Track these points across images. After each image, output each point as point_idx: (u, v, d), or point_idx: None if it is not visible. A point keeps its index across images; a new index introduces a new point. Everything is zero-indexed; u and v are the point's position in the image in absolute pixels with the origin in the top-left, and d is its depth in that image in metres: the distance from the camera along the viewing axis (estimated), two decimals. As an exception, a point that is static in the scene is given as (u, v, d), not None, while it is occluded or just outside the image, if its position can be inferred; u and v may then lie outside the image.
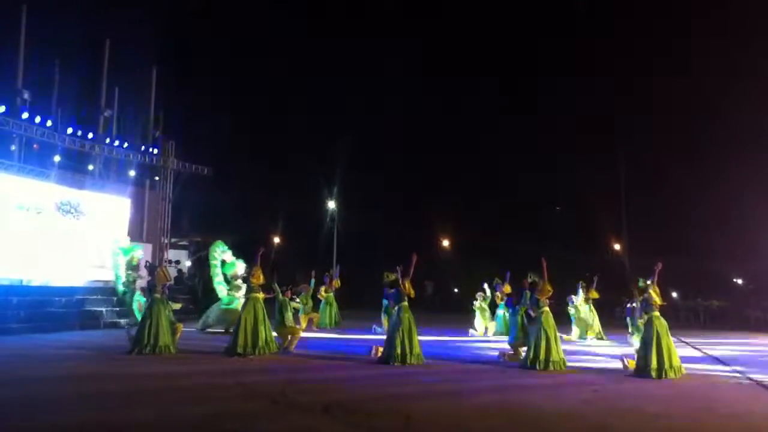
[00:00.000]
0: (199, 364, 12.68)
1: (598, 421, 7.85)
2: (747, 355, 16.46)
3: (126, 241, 19.61)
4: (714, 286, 39.71)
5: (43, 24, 24.86)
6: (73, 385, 9.77)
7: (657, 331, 12.00)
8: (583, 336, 20.10)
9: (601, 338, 20.04)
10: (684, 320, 35.38)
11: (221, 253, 20.07)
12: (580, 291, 20.71)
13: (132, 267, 18.47)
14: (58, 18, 26.32)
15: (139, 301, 17.11)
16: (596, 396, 9.61)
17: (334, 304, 22.37)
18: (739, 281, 44.48)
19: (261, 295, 14.28)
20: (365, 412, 8.06)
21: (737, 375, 12.48)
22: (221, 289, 19.75)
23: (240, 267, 19.35)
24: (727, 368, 13.48)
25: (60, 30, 26.37)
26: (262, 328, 13.78)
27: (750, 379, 11.83)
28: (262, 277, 14.24)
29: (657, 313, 12.38)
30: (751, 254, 37.27)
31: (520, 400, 9.20)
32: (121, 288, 18.49)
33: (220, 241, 20.53)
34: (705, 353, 16.64)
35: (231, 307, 18.90)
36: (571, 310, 20.56)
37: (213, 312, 19.56)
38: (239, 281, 18.83)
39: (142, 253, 19.09)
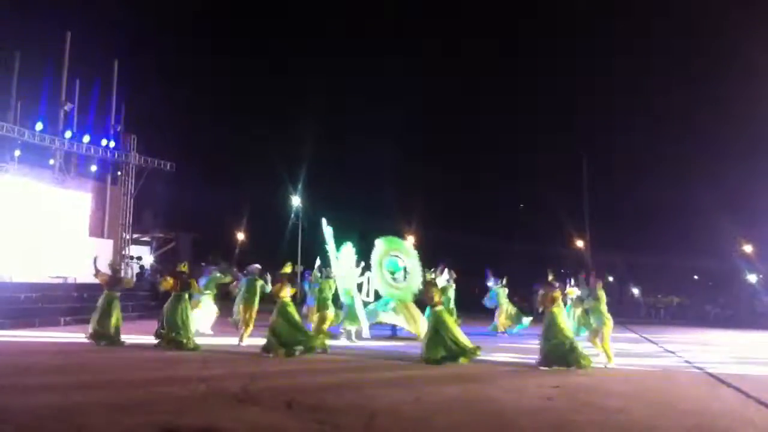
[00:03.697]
0: (160, 359, 12.57)
1: (559, 416, 7.92)
2: (706, 350, 16.73)
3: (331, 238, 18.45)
4: (674, 283, 40.39)
5: (3, 16, 24.45)
6: (31, 380, 9.61)
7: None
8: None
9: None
10: (644, 316, 35.94)
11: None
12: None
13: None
14: (19, 10, 25.90)
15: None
16: (557, 391, 9.70)
17: None
18: (699, 279, 45.24)
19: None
20: (328, 408, 8.04)
21: (696, 370, 12.69)
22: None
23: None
24: (686, 363, 13.69)
25: (20, 22, 25.97)
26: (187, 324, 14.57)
27: (708, 373, 12.04)
28: (171, 282, 14.92)
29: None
30: (709, 253, 37.97)
31: (480, 396, 9.25)
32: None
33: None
34: (664, 348, 16.88)
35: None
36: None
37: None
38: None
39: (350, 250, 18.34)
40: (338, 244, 18.08)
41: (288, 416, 7.62)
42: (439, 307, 13.28)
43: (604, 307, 13.23)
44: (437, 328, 12.84)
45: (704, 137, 38.64)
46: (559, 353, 12.25)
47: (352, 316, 17.25)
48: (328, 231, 18.08)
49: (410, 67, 49.20)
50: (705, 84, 38.32)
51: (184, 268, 15.62)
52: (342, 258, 17.89)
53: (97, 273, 15.46)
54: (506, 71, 48.73)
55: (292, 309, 13.96)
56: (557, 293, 13.11)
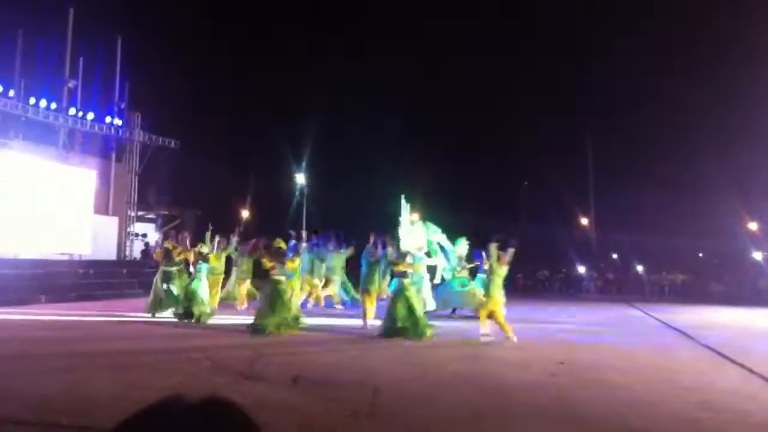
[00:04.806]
0: (166, 338, 12.62)
1: (563, 393, 7.94)
2: (710, 327, 16.72)
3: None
4: (678, 261, 40.36)
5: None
6: (39, 357, 9.66)
7: None
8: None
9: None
10: (649, 294, 35.96)
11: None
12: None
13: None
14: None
15: None
16: (561, 368, 9.71)
17: None
18: (704, 256, 45.19)
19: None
20: (334, 384, 8.08)
21: (700, 347, 12.70)
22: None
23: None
24: (690, 340, 13.71)
25: (23, -1, 25.81)
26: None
27: (712, 350, 12.05)
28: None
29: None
30: (714, 231, 37.92)
31: (485, 372, 9.27)
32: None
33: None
34: (668, 325, 16.90)
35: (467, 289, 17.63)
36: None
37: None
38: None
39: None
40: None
41: (293, 391, 7.65)
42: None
43: (493, 285, 12.63)
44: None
45: (710, 115, 38.44)
46: (394, 325, 12.71)
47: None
48: (404, 207, 18.02)
49: (410, 47, 48.97)
50: (709, 62, 38.08)
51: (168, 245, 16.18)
52: (412, 236, 17.73)
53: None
54: (507, 51, 48.42)
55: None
56: (399, 264, 13.39)
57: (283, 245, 14.53)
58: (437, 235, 18.46)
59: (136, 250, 27.87)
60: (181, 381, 8.11)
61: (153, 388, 7.55)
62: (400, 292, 13.16)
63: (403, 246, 17.05)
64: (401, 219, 18.01)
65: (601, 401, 7.54)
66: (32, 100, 22.50)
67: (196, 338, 12.53)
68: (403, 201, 18.16)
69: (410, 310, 12.94)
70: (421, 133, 47.89)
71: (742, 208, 35.91)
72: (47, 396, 7.05)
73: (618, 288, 38.43)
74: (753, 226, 37.23)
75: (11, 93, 21.73)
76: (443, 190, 44.24)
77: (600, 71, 44.64)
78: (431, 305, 17.04)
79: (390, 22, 50.58)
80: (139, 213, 29.65)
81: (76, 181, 23.36)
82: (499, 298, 12.61)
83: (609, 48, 43.35)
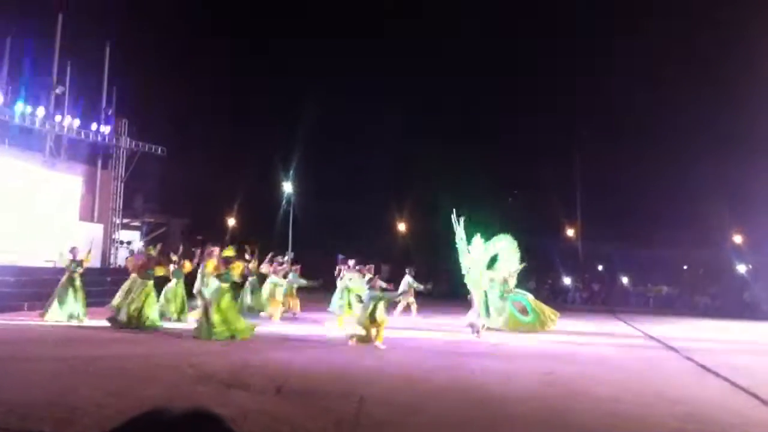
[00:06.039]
0: (151, 345, 12.53)
1: (551, 404, 7.94)
2: (694, 339, 16.79)
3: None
4: (663, 273, 40.53)
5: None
6: (21, 364, 9.56)
7: None
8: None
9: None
10: (634, 305, 36.06)
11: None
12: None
13: None
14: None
15: None
16: (549, 379, 9.72)
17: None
18: (688, 268, 45.38)
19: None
20: (319, 393, 8.03)
21: (685, 359, 12.74)
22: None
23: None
24: (676, 354, 13.74)
25: (12, 3, 25.66)
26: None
27: (697, 363, 12.08)
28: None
29: None
30: (699, 243, 38.09)
31: (472, 383, 9.27)
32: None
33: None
34: (653, 338, 16.94)
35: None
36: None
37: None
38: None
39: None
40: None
41: (277, 401, 7.60)
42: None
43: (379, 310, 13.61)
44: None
45: (697, 127, 38.70)
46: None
47: (483, 309, 16.61)
48: (457, 224, 17.72)
49: (407, 47, 49.03)
50: (700, 73, 38.29)
51: (151, 251, 16.97)
52: (473, 250, 17.53)
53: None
54: (504, 55, 48.60)
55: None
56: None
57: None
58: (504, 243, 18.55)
59: (120, 257, 27.68)
60: (165, 389, 8.04)
61: (136, 397, 7.49)
62: (217, 296, 13.87)
63: (466, 262, 17.05)
64: (458, 236, 17.73)
65: (588, 413, 7.54)
66: (19, 106, 22.34)
67: (180, 345, 12.46)
68: (454, 218, 17.91)
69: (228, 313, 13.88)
70: (420, 133, 47.81)
71: (727, 220, 36.12)
72: (31, 403, 6.97)
73: (603, 299, 38.55)
74: (738, 238, 37.47)
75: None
76: (435, 195, 44.39)
77: (600, 72, 44.82)
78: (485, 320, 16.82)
79: (387, 21, 50.54)
80: (125, 220, 29.48)
81: (62, 187, 23.20)
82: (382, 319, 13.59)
83: (609, 49, 43.50)
